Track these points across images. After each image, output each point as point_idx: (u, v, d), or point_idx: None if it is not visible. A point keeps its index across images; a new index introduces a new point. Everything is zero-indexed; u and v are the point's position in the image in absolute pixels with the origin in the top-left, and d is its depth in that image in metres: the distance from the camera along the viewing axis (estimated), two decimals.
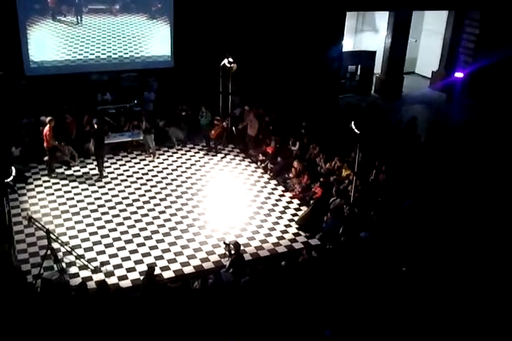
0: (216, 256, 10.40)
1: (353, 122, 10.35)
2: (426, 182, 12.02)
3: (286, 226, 11.50)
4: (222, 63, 14.99)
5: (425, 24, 21.76)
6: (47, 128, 12.88)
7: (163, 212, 11.84)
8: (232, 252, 9.99)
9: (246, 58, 15.89)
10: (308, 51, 17.29)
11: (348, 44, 20.66)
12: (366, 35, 21.84)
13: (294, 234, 11.21)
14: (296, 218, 11.69)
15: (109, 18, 15.95)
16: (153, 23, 16.54)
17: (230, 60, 14.85)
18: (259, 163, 14.16)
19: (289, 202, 12.46)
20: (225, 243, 10.47)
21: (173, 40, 16.59)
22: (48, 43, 15.42)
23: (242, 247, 10.17)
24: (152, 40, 16.59)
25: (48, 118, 12.99)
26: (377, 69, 20.39)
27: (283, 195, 12.76)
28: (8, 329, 7.78)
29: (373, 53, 20.12)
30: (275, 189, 13.06)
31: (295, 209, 12.18)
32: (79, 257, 10.04)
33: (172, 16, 16.36)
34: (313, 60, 17.38)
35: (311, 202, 11.72)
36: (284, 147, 14.12)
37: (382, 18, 20.35)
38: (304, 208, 12.00)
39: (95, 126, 13.21)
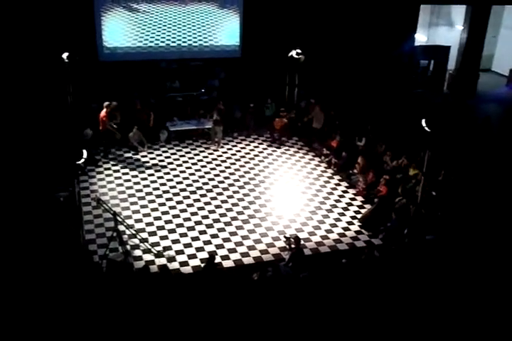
0: (276, 249, 10.40)
1: (423, 120, 10.00)
2: (497, 186, 11.51)
3: (349, 223, 11.33)
4: (290, 54, 14.87)
5: (504, 19, 20.72)
6: (103, 112, 13.36)
7: (225, 201, 11.94)
8: (293, 246, 9.94)
9: (314, 50, 15.68)
10: (379, 44, 16.85)
11: (421, 38, 19.98)
12: (441, 29, 21.01)
13: (356, 231, 11.03)
14: (359, 216, 11.49)
15: (180, 7, 16.13)
16: (223, 13, 16.58)
17: (298, 51, 14.70)
18: (322, 157, 14.00)
19: (352, 199, 12.26)
20: (285, 236, 10.44)
21: (242, 30, 16.59)
22: (121, 30, 15.79)
23: (302, 242, 10.13)
24: (221, 29, 16.66)
25: (106, 103, 13.45)
26: (451, 65, 19.58)
27: (346, 191, 12.58)
28: (72, 305, 8.08)
29: (447, 48, 19.33)
30: (338, 184, 12.89)
31: (358, 206, 11.98)
32: (143, 241, 10.30)
33: (242, 6, 16.34)
34: (384, 54, 16.93)
35: (376, 200, 11.47)
36: (349, 142, 13.87)
37: (458, 12, 19.51)
38: (368, 206, 11.78)
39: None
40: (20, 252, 9.25)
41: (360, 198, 12.26)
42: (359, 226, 11.19)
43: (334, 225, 11.24)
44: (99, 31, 15.50)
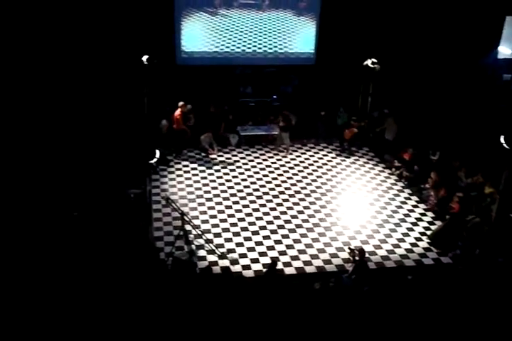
0: (339, 260, 10.25)
1: (502, 136, 9.54)
2: None
3: (417, 239, 10.98)
4: (365, 63, 14.66)
5: None
6: (178, 111, 13.76)
7: (291, 208, 11.92)
8: (357, 258, 9.75)
9: (391, 60, 15.37)
10: (460, 55, 16.26)
11: (505, 51, 19.08)
12: None
13: (424, 248, 10.68)
14: (428, 232, 11.12)
15: (257, 13, 16.30)
16: (299, 20, 16.59)
17: (374, 60, 14.47)
18: (393, 170, 13.69)
19: (422, 214, 11.89)
20: (350, 248, 10.26)
21: (318, 38, 16.56)
22: (199, 35, 16.13)
23: (367, 254, 9.93)
24: (296, 36, 16.66)
25: (180, 103, 13.83)
26: None
27: (416, 206, 12.21)
28: (137, 299, 8.32)
29: None
30: (408, 198, 12.54)
31: (428, 222, 11.60)
32: (208, 241, 10.47)
33: (318, 13, 16.29)
34: (465, 66, 16.33)
35: (447, 217, 11.06)
36: (422, 155, 13.47)
37: None
38: (439, 222, 11.38)
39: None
40: (92, 245, 9.64)
41: (430, 214, 11.87)
42: (428, 243, 10.83)
43: (402, 240, 10.93)
44: (178, 35, 15.92)
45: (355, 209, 12.00)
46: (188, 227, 10.58)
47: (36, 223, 9.89)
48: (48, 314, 7.84)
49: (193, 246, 10.37)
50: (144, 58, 13.05)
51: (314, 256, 10.34)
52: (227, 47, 16.45)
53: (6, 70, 13.71)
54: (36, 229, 9.73)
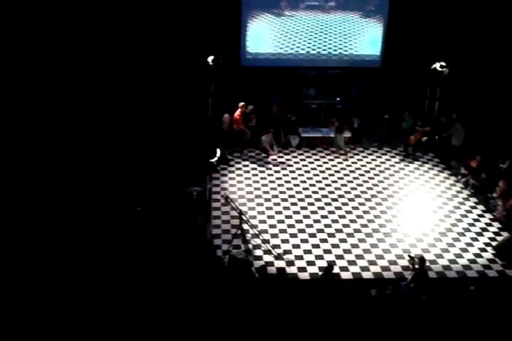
0: (398, 267, 10.00)
1: None
2: None
3: (481, 250, 10.54)
4: (433, 67, 14.22)
5: None
6: (238, 112, 13.89)
7: (350, 212, 11.76)
8: (416, 266, 9.47)
9: (460, 63, 14.84)
10: None
11: None
12: None
13: (488, 259, 10.24)
14: (494, 243, 10.65)
15: (322, 15, 16.20)
16: (366, 22, 16.34)
17: (443, 63, 14.01)
18: (459, 177, 13.20)
19: (488, 224, 11.40)
20: (409, 256, 9.95)
21: (384, 40, 16.24)
22: (264, 36, 16.22)
23: (427, 263, 9.63)
24: (362, 38, 16.42)
25: (241, 103, 13.95)
26: None
27: (482, 216, 11.72)
28: (192, 295, 8.44)
29: None
30: (474, 207, 12.06)
31: (494, 232, 11.11)
32: (265, 241, 10.50)
33: (386, 16, 15.97)
34: None
35: None
36: (491, 163, 12.91)
37: None
38: (505, 234, 10.87)
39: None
40: (153, 240, 9.88)
41: (497, 224, 11.36)
42: (493, 254, 10.37)
43: (465, 250, 10.52)
44: (244, 37, 16.08)
45: (417, 216, 11.67)
46: (245, 226, 10.67)
47: (100, 217, 10.22)
48: (102, 308, 8.04)
49: (250, 246, 10.43)
50: (210, 59, 13.28)
51: (372, 262, 10.15)
52: (292, 48, 16.44)
53: (81, 69, 14.38)
54: (99, 224, 10.05)
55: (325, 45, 16.54)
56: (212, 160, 13.25)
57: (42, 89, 13.80)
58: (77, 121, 13.39)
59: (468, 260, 10.22)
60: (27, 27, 13.55)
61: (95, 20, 14.39)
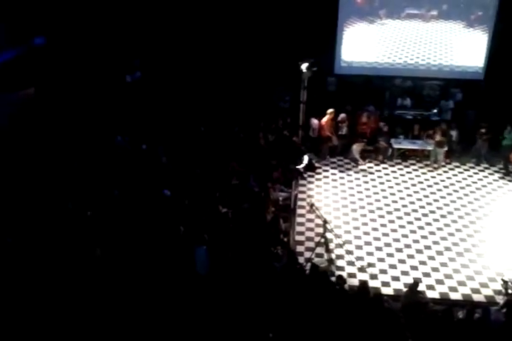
0: (489, 291, 9.43)
1: None
2: None
3: None
4: None
5: None
6: (325, 118, 13.80)
7: (441, 229, 11.25)
8: (510, 291, 8.90)
9: None
10: None
11: None
12: None
13: None
14: None
15: (422, 24, 15.71)
16: (469, 32, 15.61)
17: None
18: None
19: None
20: (503, 279, 9.34)
21: (490, 52, 15.42)
22: (359, 45, 16.02)
23: None
24: (465, 49, 15.72)
25: (329, 110, 13.82)
26: None
27: None
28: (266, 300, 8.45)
29: None
30: None
31: None
32: (348, 252, 10.31)
33: (492, 26, 15.17)
34: None
35: None
36: None
37: None
38: None
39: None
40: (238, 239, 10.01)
41: None
42: None
43: None
44: (339, 44, 15.98)
45: None
46: (329, 235, 10.54)
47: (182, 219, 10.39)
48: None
49: (333, 255, 10.30)
50: (304, 66, 13.27)
51: (461, 283, 9.63)
52: (389, 57, 16.11)
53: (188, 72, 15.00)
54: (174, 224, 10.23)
55: (423, 55, 16.04)
56: (300, 166, 13.27)
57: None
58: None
59: None
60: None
61: (196, 23, 15.04)
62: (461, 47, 15.70)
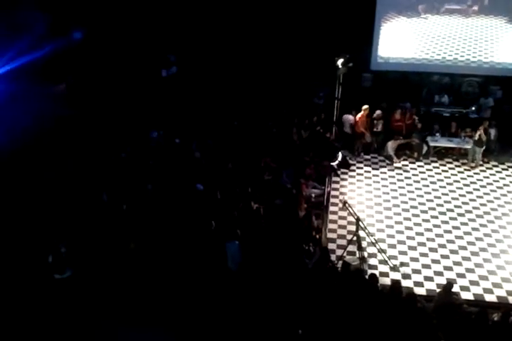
0: None
1: None
2: None
3: None
4: None
5: None
6: (360, 114, 13.71)
7: (477, 229, 11.01)
8: None
9: None
10: None
11: None
12: None
13: None
14: None
15: (462, 19, 15.33)
16: (511, 28, 15.17)
17: None
18: None
19: None
20: None
21: None
22: (397, 40, 15.74)
23: None
24: (506, 45, 15.27)
25: (364, 106, 13.70)
26: None
27: None
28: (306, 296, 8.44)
29: None
30: None
31: None
32: (381, 251, 10.19)
33: None
34: None
35: None
36: None
37: None
38: None
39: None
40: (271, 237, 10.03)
41: None
42: None
43: None
44: (376, 40, 15.72)
45: None
46: (362, 233, 10.42)
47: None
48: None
49: (365, 254, 10.20)
50: (339, 61, 13.13)
51: (497, 285, 9.42)
52: (427, 53, 15.79)
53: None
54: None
55: (463, 51, 15.66)
56: (334, 163, 13.18)
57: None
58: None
59: None
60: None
61: (233, 18, 15.05)
62: (502, 44, 15.28)
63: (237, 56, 15.38)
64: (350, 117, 14.09)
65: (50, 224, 9.38)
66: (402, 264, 9.95)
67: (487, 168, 13.57)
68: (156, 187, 10.83)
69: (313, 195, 11.53)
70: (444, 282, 9.03)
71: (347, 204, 10.68)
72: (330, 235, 10.80)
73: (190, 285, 8.55)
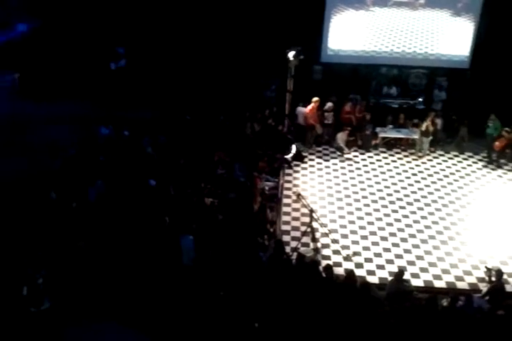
0: (473, 278, 9.59)
1: None
2: None
3: None
4: None
5: None
6: (310, 106, 13.79)
7: (425, 217, 11.37)
8: (493, 279, 9.07)
9: None
10: None
11: None
12: None
13: None
14: None
15: (409, 12, 15.65)
16: (456, 21, 15.60)
17: None
18: None
19: None
20: (486, 267, 9.55)
21: (475, 40, 15.47)
22: (346, 33, 15.92)
23: (505, 276, 9.14)
24: (450, 38, 15.73)
25: (314, 99, 13.81)
26: None
27: None
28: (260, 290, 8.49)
29: None
30: None
31: None
32: (334, 241, 10.38)
33: (478, 15, 15.18)
34: None
35: None
36: None
37: None
38: None
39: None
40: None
41: None
42: None
43: None
44: (326, 32, 15.85)
45: (496, 226, 11.07)
46: (315, 225, 10.60)
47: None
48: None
49: (319, 245, 10.35)
50: (290, 54, 13.16)
51: (445, 271, 9.78)
52: (375, 46, 16.05)
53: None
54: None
55: (410, 44, 16.01)
56: (288, 156, 13.26)
57: None
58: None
59: None
60: None
61: (182, 12, 14.84)
62: (448, 36, 15.71)
63: (187, 50, 15.18)
64: (302, 110, 14.19)
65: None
66: (355, 253, 10.15)
67: (434, 158, 14.00)
68: (107, 183, 10.60)
69: (266, 188, 11.58)
70: (396, 270, 9.26)
71: (300, 196, 10.80)
72: (284, 227, 10.88)
73: (145, 280, 8.47)
